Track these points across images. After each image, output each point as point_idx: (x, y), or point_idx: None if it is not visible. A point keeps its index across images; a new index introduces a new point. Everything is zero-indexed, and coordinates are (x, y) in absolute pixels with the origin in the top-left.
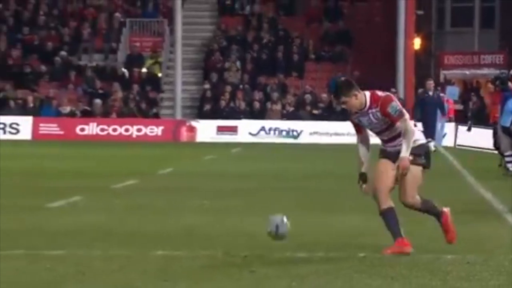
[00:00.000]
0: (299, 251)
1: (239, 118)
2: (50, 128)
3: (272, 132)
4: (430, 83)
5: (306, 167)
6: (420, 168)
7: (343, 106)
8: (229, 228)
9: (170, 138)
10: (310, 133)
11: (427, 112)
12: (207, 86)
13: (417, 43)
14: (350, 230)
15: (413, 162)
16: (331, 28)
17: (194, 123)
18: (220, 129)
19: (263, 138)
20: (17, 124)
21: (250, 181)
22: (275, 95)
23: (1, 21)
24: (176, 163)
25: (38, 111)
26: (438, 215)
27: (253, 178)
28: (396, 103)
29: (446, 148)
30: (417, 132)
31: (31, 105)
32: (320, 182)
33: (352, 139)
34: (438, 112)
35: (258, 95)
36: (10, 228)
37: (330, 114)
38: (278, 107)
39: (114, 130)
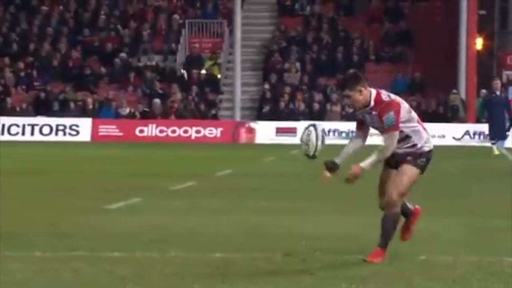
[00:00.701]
0: (358, 253)
1: (298, 120)
2: (110, 129)
3: (331, 133)
4: (497, 83)
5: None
6: (418, 171)
7: (347, 101)
8: (288, 230)
9: (229, 139)
10: (370, 135)
11: (494, 113)
12: (266, 87)
13: (479, 43)
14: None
15: (413, 163)
16: (392, 28)
17: (253, 124)
18: (279, 131)
19: None
20: (77, 126)
21: (310, 182)
22: (334, 96)
23: (62, 23)
24: (235, 165)
25: (98, 112)
26: (409, 213)
27: (313, 179)
28: (395, 115)
29: (508, 149)
30: (425, 136)
31: (91, 106)
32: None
33: None
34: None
35: (317, 96)
36: (69, 229)
37: None
38: (337, 108)
39: (173, 131)
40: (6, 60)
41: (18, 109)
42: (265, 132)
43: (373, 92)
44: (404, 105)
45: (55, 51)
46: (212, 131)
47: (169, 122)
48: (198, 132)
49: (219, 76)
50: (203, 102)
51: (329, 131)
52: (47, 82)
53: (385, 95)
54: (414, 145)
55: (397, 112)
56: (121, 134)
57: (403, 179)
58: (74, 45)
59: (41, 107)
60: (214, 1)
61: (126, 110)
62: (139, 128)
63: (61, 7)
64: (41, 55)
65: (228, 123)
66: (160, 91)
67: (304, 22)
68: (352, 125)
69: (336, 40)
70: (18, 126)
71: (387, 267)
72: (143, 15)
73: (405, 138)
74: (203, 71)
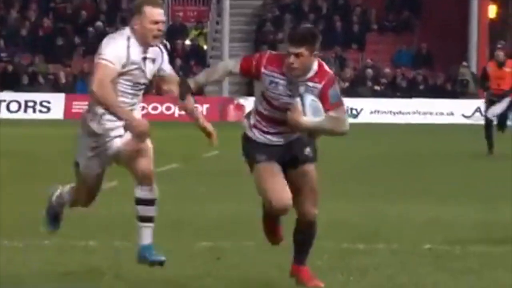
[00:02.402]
0: (357, 242)
1: None
2: (84, 106)
3: None
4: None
5: (365, 149)
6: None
7: (291, 61)
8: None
9: (216, 117)
10: (371, 112)
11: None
12: None
13: (492, 10)
14: (414, 219)
15: (312, 159)
16: None
17: (242, 101)
18: None
19: None
20: (48, 102)
21: None
22: (332, 69)
23: None
24: (223, 145)
25: (71, 87)
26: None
27: None
28: (338, 91)
29: None
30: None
31: (64, 81)
32: (381, 166)
33: (419, 118)
34: None
35: None
36: (39, 217)
37: (393, 90)
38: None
39: (155, 108)
40: None
41: None
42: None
43: (317, 58)
44: None
45: (23, 19)
46: (198, 109)
47: (150, 98)
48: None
49: (205, 47)
50: (188, 75)
51: None
52: (14, 54)
53: (326, 66)
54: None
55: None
56: None
57: (315, 188)
58: (45, 12)
59: (8, 81)
60: None
61: None
62: None
63: None
64: (8, 24)
65: (215, 100)
66: None
67: None
68: (350, 102)
69: (335, 8)
70: None
71: (389, 257)
72: None
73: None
74: (188, 42)
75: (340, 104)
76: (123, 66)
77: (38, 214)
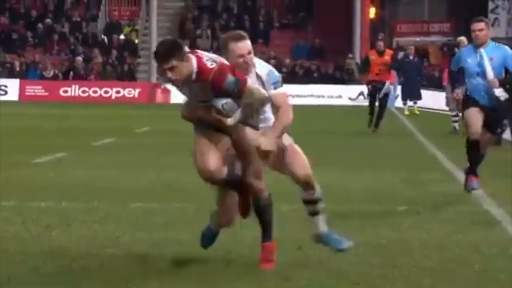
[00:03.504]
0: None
1: None
2: (36, 89)
3: None
4: (411, 48)
5: None
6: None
7: (169, 76)
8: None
9: (146, 99)
10: None
11: (409, 75)
12: None
13: (372, 12)
14: None
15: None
16: None
17: (168, 86)
18: None
19: None
20: (5, 86)
21: None
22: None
23: None
24: (152, 123)
25: (25, 74)
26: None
27: None
28: (234, 76)
29: (398, 109)
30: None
31: (18, 69)
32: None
33: (314, 100)
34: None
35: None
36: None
37: (293, 78)
38: None
39: (95, 92)
40: None
41: None
42: (179, 93)
43: (193, 58)
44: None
45: None
46: (131, 92)
47: (91, 83)
48: (118, 92)
49: (136, 41)
50: (122, 65)
51: None
52: None
53: (209, 60)
54: None
55: (233, 70)
56: (46, 94)
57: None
58: (1, 11)
59: None
60: None
61: (51, 73)
62: (63, 88)
63: None
64: None
65: (145, 84)
66: (82, 55)
67: None
68: None
69: (244, 9)
70: None
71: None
72: None
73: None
74: (122, 37)
75: (244, 84)
76: None
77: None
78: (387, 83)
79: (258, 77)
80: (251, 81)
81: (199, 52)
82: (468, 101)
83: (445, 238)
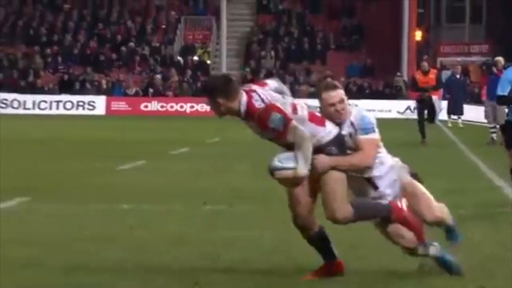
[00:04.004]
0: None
1: None
2: (120, 105)
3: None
4: (458, 68)
5: None
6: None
7: (215, 112)
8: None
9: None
10: None
11: (454, 92)
12: (247, 70)
13: (418, 35)
14: None
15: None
16: (348, 23)
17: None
18: None
19: None
20: (94, 102)
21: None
22: (302, 78)
23: (81, 18)
24: (222, 134)
25: (110, 91)
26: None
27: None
28: (277, 113)
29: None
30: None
31: (105, 86)
32: None
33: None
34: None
35: (288, 78)
36: (88, 186)
37: (346, 94)
38: (304, 88)
39: (171, 107)
40: (37, 48)
41: (46, 88)
42: None
43: (244, 96)
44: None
45: (75, 41)
46: (203, 107)
47: (168, 99)
48: (192, 107)
49: (208, 61)
50: (196, 83)
51: None
52: (69, 67)
53: (258, 101)
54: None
55: (279, 109)
56: (129, 109)
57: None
58: (91, 36)
59: (64, 87)
60: (204, 0)
61: (133, 90)
62: (144, 103)
63: (79, 6)
64: (65, 45)
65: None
66: (161, 74)
67: (277, 18)
68: (315, 101)
69: (303, 33)
70: (46, 102)
71: None
72: (146, 12)
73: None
74: (196, 58)
75: (288, 121)
76: None
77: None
78: (434, 98)
79: (352, 124)
80: (346, 128)
81: (255, 90)
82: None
83: (484, 238)
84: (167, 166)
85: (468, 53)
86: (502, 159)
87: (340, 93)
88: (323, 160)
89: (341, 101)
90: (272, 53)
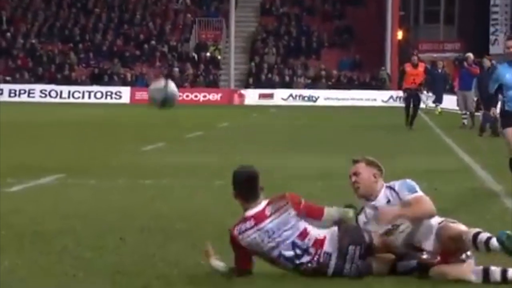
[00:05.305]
0: None
1: (275, 88)
2: (143, 94)
3: (297, 97)
4: (440, 63)
5: (321, 122)
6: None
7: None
8: (275, 167)
9: (226, 102)
10: (325, 98)
11: (437, 84)
12: (252, 65)
13: (399, 34)
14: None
15: None
16: (339, 24)
17: (243, 91)
18: (261, 96)
19: (291, 102)
20: (120, 92)
21: (284, 132)
22: (299, 71)
23: (109, 20)
24: (231, 120)
25: (134, 83)
26: None
27: (286, 128)
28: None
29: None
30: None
31: (129, 79)
32: (332, 133)
33: (354, 102)
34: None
35: (287, 71)
36: (115, 164)
37: (338, 85)
38: (301, 80)
39: (187, 96)
40: (71, 46)
41: (79, 80)
42: (251, 97)
43: (263, 202)
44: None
45: (104, 40)
46: (214, 96)
47: (185, 90)
48: (204, 96)
49: (219, 57)
50: (208, 75)
51: (296, 96)
52: (99, 62)
53: (240, 230)
54: None
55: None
56: None
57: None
58: (117, 35)
59: (95, 79)
60: (216, 4)
61: None
62: None
63: (107, 9)
64: (95, 43)
65: (225, 90)
66: (178, 68)
67: (278, 19)
68: (311, 92)
69: (301, 32)
70: (79, 92)
71: None
72: (166, 15)
73: None
74: (208, 54)
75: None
76: None
77: None
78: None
79: (391, 189)
80: (381, 200)
81: (265, 210)
82: (507, 117)
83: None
84: (183, 147)
85: (442, 50)
86: (471, 141)
87: (357, 166)
88: (387, 216)
89: (356, 173)
90: (274, 49)
